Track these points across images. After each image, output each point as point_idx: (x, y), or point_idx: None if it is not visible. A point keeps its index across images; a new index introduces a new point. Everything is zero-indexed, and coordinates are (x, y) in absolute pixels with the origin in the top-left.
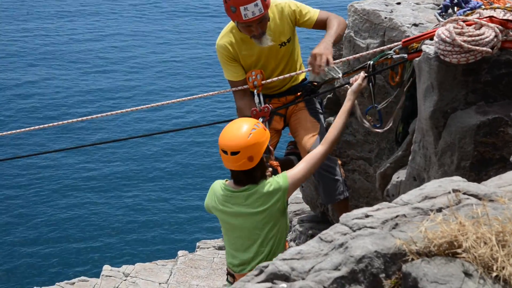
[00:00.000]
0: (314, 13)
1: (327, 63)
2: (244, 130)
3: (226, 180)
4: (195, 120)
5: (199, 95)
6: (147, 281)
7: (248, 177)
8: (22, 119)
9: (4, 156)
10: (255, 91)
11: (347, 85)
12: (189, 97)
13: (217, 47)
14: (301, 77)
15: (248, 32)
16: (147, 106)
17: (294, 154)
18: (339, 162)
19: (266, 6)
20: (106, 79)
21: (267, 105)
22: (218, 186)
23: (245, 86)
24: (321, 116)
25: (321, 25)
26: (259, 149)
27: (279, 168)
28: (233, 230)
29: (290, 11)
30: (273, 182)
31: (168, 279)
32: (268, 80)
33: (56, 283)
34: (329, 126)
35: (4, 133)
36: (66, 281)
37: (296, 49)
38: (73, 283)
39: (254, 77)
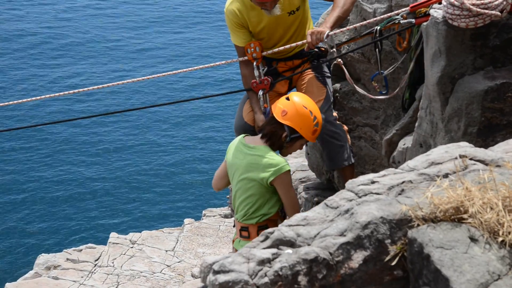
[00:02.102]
0: None
1: (321, 38)
2: (306, 101)
3: (246, 135)
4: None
5: (205, 65)
6: (153, 248)
7: (267, 134)
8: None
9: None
10: (254, 63)
11: (351, 53)
12: (196, 67)
13: (225, 12)
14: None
15: (260, 5)
16: (154, 76)
17: None
18: (345, 128)
19: None
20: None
21: (266, 77)
22: (237, 138)
23: (245, 58)
24: (328, 80)
25: None
26: (293, 120)
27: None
28: (232, 178)
29: None
30: (272, 163)
31: (174, 247)
32: (269, 52)
33: (64, 250)
34: (335, 92)
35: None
36: (73, 248)
37: (306, 17)
38: (81, 250)
39: (252, 49)
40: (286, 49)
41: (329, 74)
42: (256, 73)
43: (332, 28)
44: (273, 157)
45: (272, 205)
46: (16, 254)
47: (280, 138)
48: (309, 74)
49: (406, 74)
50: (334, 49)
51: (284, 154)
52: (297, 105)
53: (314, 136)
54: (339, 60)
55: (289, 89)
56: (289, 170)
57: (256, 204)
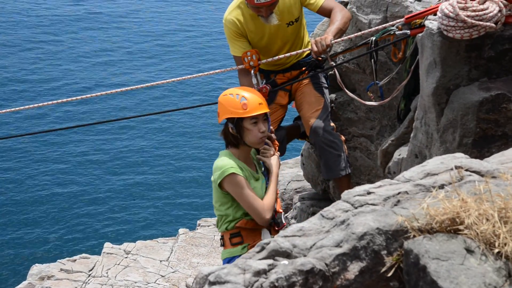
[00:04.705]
0: None
1: (327, 44)
2: (229, 90)
3: None
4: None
5: (200, 74)
6: (148, 258)
7: (224, 140)
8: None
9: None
10: (252, 71)
11: (347, 64)
12: (189, 76)
13: (224, 22)
14: (306, 52)
15: (256, 12)
16: (149, 84)
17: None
18: (343, 138)
19: None
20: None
21: (265, 85)
22: None
23: (241, 66)
24: (326, 91)
25: (326, 13)
26: (222, 112)
27: (276, 147)
28: None
29: None
30: (218, 165)
31: (169, 257)
32: (263, 61)
33: (58, 260)
34: (330, 103)
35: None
36: (67, 258)
37: (303, 29)
38: (75, 260)
39: (249, 57)
40: (283, 60)
41: (326, 85)
42: (254, 81)
43: (335, 38)
44: (221, 161)
45: (235, 210)
46: (9, 264)
47: (229, 133)
48: (307, 85)
49: (400, 83)
50: (330, 60)
51: (252, 144)
52: (218, 102)
53: (252, 109)
54: (332, 63)
55: (289, 101)
56: (232, 173)
57: (220, 209)
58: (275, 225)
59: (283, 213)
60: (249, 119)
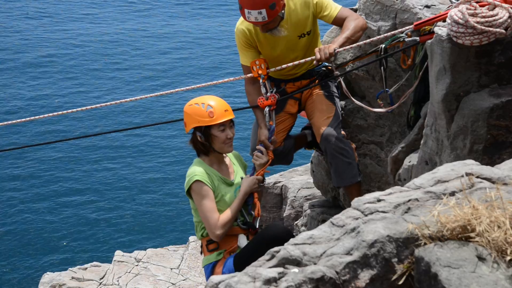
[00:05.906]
0: (334, 9)
1: (329, 53)
2: (193, 100)
3: None
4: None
5: (210, 83)
6: (158, 266)
7: (195, 149)
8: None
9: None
10: (261, 80)
11: (356, 71)
12: (202, 84)
13: (236, 31)
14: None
15: (253, 23)
16: (154, 94)
17: (310, 128)
18: (353, 146)
19: (271, 15)
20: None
21: (273, 94)
22: None
23: (250, 75)
24: (337, 100)
25: (341, 23)
26: (189, 121)
27: (270, 159)
28: None
29: (313, 3)
30: (187, 173)
31: (179, 265)
32: (272, 70)
33: (69, 269)
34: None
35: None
36: (78, 267)
37: (316, 42)
38: (86, 268)
39: (258, 66)
40: (293, 70)
41: (337, 94)
42: (263, 90)
43: (341, 47)
44: (191, 168)
45: None
46: (21, 273)
47: (198, 142)
48: (318, 94)
49: (408, 89)
50: (335, 70)
51: (221, 150)
52: (184, 113)
53: (218, 116)
54: (336, 72)
55: (299, 110)
56: (197, 181)
57: (195, 216)
58: (251, 229)
59: (259, 217)
60: (217, 126)
